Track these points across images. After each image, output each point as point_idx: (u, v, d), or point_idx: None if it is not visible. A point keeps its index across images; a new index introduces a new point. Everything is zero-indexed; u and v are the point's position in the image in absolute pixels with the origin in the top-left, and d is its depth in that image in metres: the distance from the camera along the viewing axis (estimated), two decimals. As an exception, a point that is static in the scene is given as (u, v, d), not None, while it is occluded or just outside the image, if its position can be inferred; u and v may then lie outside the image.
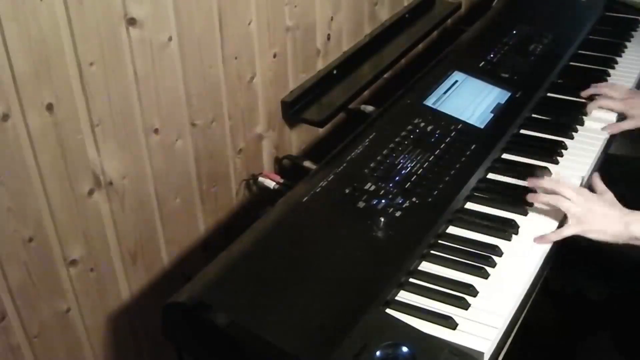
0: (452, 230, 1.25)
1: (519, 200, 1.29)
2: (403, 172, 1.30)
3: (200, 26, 1.30)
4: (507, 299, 1.10)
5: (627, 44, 1.88)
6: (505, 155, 1.45)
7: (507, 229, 1.23)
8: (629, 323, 1.53)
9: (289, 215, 1.20)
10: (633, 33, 1.93)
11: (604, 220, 1.20)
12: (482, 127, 1.46)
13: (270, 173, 1.55)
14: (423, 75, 1.61)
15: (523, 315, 1.13)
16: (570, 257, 1.44)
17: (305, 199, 1.21)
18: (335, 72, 1.69)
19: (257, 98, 1.51)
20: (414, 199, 1.24)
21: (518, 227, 1.24)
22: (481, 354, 1.01)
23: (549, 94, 1.66)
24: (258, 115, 1.54)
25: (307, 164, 1.56)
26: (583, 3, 2.01)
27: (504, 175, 1.39)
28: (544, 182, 1.27)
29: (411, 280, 1.13)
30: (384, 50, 1.83)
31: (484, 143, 1.42)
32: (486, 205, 1.30)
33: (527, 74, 1.65)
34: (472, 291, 1.10)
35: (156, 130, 1.28)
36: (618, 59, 1.80)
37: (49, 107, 1.07)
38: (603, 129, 1.52)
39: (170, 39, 1.24)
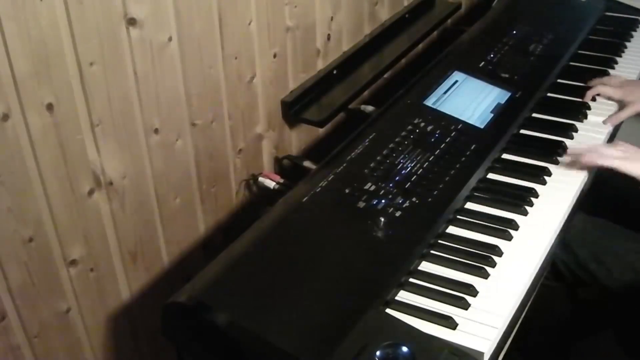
0: (452, 230, 1.25)
1: (519, 200, 1.30)
2: (403, 172, 1.30)
3: (200, 26, 1.30)
4: (507, 299, 1.10)
5: (627, 44, 1.88)
6: (505, 155, 1.45)
7: (507, 229, 1.23)
8: (629, 323, 1.53)
9: (289, 215, 1.20)
10: (633, 33, 1.93)
11: None
12: (482, 127, 1.46)
13: (270, 173, 1.55)
14: (423, 75, 1.61)
15: (523, 315, 1.13)
16: (571, 257, 1.45)
17: (305, 199, 1.21)
18: (335, 72, 1.69)
19: (257, 98, 1.51)
20: (414, 199, 1.24)
21: (518, 227, 1.24)
22: (481, 354, 1.01)
23: (549, 94, 1.66)
24: (258, 115, 1.54)
25: (307, 164, 1.56)
26: (583, 3, 2.01)
27: (504, 175, 1.39)
28: (585, 156, 1.34)
29: (411, 280, 1.13)
30: (384, 50, 1.83)
31: (484, 143, 1.42)
32: (486, 205, 1.30)
33: (527, 74, 1.65)
34: (472, 291, 1.10)
35: (156, 130, 1.28)
36: (618, 59, 1.80)
37: (49, 107, 1.07)
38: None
39: (170, 39, 1.24)
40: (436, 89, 1.54)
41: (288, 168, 1.63)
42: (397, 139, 1.37)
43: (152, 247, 1.37)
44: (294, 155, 1.66)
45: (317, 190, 1.23)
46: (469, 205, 1.31)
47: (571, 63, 1.79)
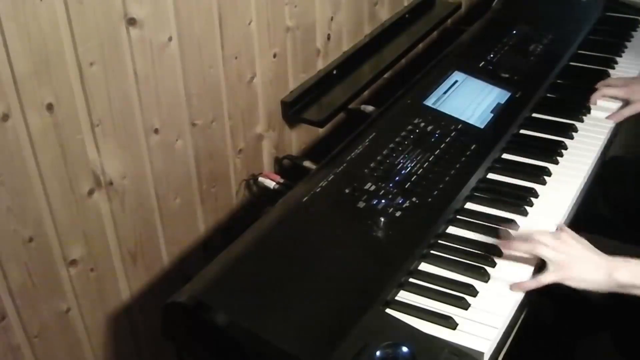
0: (452, 230, 1.25)
1: (519, 200, 1.30)
2: (403, 172, 1.30)
3: (200, 26, 1.30)
4: (507, 299, 1.10)
5: (627, 44, 1.88)
6: (505, 155, 1.45)
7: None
8: (629, 323, 1.53)
9: (289, 215, 1.20)
10: (633, 33, 1.93)
11: (584, 266, 1.12)
12: (482, 127, 1.46)
13: (270, 173, 1.55)
14: (423, 75, 1.61)
15: (523, 315, 1.13)
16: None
17: (305, 199, 1.21)
18: (335, 72, 1.69)
19: (257, 98, 1.51)
20: (414, 199, 1.24)
21: (518, 227, 1.24)
22: (481, 354, 1.01)
23: (548, 94, 1.66)
24: (258, 115, 1.54)
25: (307, 164, 1.56)
26: (583, 3, 2.01)
27: (504, 175, 1.39)
28: (516, 242, 1.17)
29: (411, 280, 1.13)
30: (384, 50, 1.83)
31: (484, 143, 1.42)
32: (486, 206, 1.30)
33: (527, 74, 1.65)
34: (472, 291, 1.10)
35: (156, 130, 1.28)
36: (618, 59, 1.81)
37: (49, 107, 1.07)
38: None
39: (170, 39, 1.24)
40: (436, 89, 1.54)
41: (288, 168, 1.63)
42: (397, 139, 1.37)
43: (152, 247, 1.37)
44: (294, 155, 1.66)
45: (317, 190, 1.23)
46: (469, 206, 1.31)
47: (571, 63, 1.79)
